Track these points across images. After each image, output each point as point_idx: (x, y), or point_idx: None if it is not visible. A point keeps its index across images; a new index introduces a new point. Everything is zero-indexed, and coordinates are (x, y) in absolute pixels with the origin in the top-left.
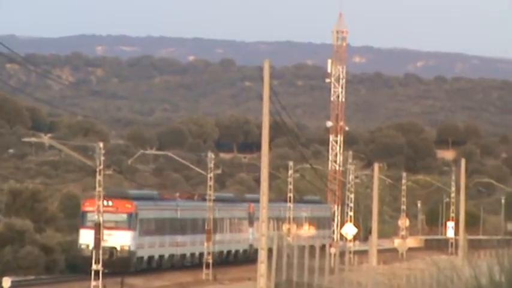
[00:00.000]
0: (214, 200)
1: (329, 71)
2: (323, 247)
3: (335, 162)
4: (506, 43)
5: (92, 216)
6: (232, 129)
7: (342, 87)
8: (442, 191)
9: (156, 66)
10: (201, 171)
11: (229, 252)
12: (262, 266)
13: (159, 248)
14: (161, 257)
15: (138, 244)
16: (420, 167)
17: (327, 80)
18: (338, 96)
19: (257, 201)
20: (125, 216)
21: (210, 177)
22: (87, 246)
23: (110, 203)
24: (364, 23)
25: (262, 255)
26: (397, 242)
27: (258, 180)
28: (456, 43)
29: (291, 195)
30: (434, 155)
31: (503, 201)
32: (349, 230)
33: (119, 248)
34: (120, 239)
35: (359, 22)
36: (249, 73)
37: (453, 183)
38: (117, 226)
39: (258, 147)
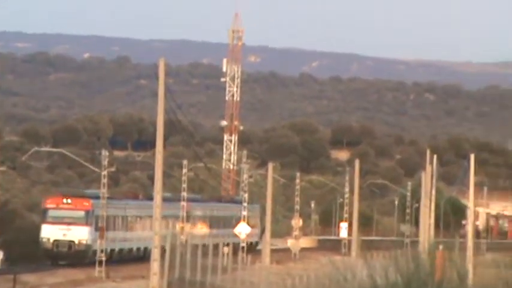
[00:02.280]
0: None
1: (224, 70)
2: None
3: (229, 161)
4: (400, 44)
5: (53, 212)
6: (126, 126)
7: (237, 87)
8: (335, 192)
9: (52, 63)
10: (95, 168)
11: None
12: (155, 264)
13: (111, 243)
14: (112, 250)
15: (93, 238)
16: (314, 167)
17: (222, 79)
18: (233, 96)
19: (193, 201)
20: (82, 213)
21: (104, 175)
22: (48, 239)
23: (69, 200)
24: (260, 22)
25: (155, 254)
26: (290, 242)
27: (152, 178)
28: (351, 44)
29: (185, 193)
30: (329, 155)
31: (396, 202)
32: (243, 229)
33: (77, 242)
34: (78, 234)
35: (255, 21)
36: (144, 71)
37: (347, 184)
38: (75, 222)
39: (152, 145)
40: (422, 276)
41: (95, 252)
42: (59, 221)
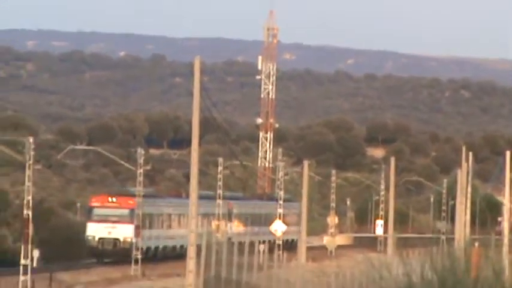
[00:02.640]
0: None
1: (259, 67)
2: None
3: (265, 159)
4: (435, 42)
5: (98, 211)
6: (162, 125)
7: (272, 84)
8: (371, 189)
9: (87, 62)
10: (130, 166)
11: None
12: (191, 262)
13: (155, 240)
14: (156, 248)
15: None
16: (350, 164)
17: (258, 77)
18: (268, 93)
19: (235, 199)
20: (127, 211)
21: (140, 173)
22: (93, 237)
23: (114, 199)
24: (295, 20)
25: (191, 252)
26: (326, 240)
27: (187, 177)
28: (386, 41)
29: (220, 191)
30: (364, 152)
31: (432, 199)
32: (279, 227)
33: (122, 240)
34: (123, 232)
35: (290, 19)
36: (179, 69)
37: (382, 181)
38: (120, 220)
39: (188, 143)
40: (457, 273)
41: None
42: (104, 219)
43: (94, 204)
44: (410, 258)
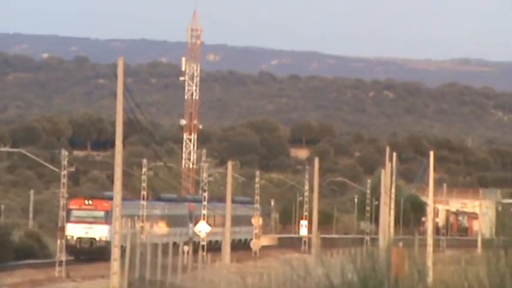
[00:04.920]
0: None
1: (183, 69)
2: (176, 245)
3: (189, 160)
4: (359, 42)
5: (76, 213)
6: (85, 126)
7: (196, 85)
8: (295, 190)
9: (10, 63)
10: (54, 168)
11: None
12: (115, 264)
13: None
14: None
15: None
16: (274, 165)
17: (181, 78)
18: (192, 94)
19: (196, 201)
20: (102, 213)
21: (64, 175)
22: (72, 237)
23: (90, 202)
24: (219, 21)
25: (116, 253)
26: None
27: (111, 178)
28: (311, 42)
29: (145, 193)
30: (288, 153)
31: (356, 200)
32: (203, 228)
33: (97, 239)
34: (99, 232)
35: (213, 20)
36: (103, 71)
37: (307, 182)
38: (96, 221)
39: (111, 144)
40: (378, 274)
41: None
42: (81, 220)
43: (72, 206)
44: (334, 259)
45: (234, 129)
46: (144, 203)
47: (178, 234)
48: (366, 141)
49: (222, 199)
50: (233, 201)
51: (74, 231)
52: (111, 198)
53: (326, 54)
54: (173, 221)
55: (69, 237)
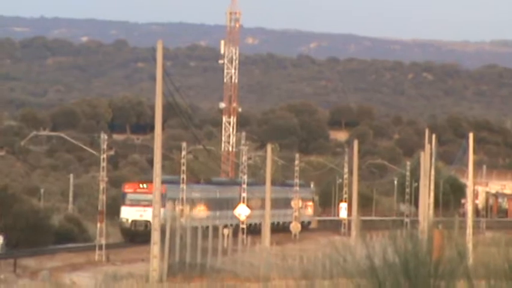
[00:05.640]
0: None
1: (222, 52)
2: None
3: (228, 143)
4: (398, 24)
5: (131, 196)
6: (125, 110)
7: (235, 69)
8: (335, 172)
9: (49, 47)
10: (94, 152)
11: None
12: (155, 247)
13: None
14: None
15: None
16: (313, 148)
17: (220, 61)
18: (231, 78)
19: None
20: None
21: (103, 158)
22: (127, 220)
23: (145, 185)
24: (257, 4)
25: (155, 236)
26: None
27: (151, 162)
28: (349, 24)
29: (184, 176)
30: (327, 136)
31: (395, 182)
32: (242, 211)
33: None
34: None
35: (252, 3)
36: (142, 54)
37: (346, 165)
38: (151, 204)
39: (151, 128)
40: (419, 255)
41: None
42: (136, 203)
43: (127, 190)
44: (373, 241)
45: (274, 112)
46: (184, 186)
47: (229, 217)
48: (405, 123)
49: (275, 182)
50: (286, 185)
51: (129, 214)
52: (165, 182)
53: (363, 37)
54: (225, 204)
55: (123, 220)
